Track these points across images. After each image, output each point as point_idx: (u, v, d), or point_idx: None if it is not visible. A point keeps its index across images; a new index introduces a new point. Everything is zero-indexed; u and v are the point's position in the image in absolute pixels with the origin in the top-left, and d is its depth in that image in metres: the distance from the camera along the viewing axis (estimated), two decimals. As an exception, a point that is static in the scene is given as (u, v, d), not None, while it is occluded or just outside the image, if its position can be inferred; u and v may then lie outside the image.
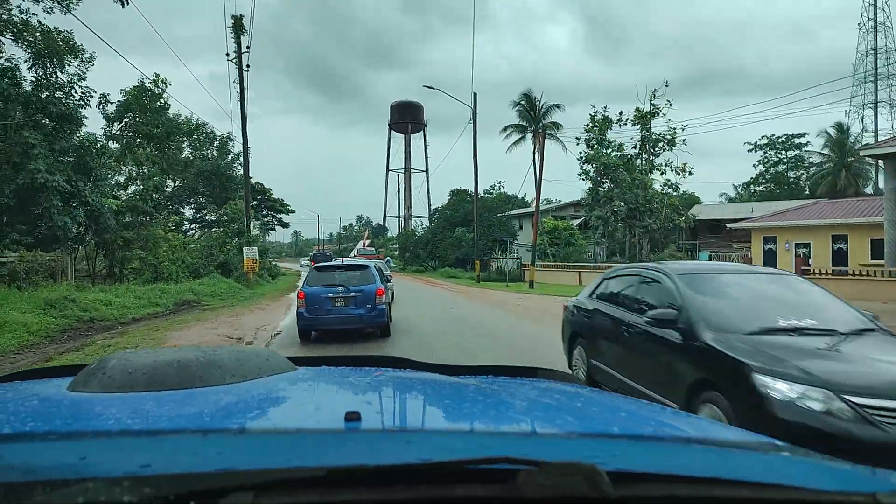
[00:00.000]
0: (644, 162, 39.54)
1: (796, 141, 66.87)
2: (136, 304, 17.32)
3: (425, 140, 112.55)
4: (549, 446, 1.13)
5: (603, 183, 38.81)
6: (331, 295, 12.01)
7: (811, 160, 65.83)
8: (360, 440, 1.09)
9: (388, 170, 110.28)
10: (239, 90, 27.80)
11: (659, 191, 39.14)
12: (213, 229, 40.85)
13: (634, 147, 39.41)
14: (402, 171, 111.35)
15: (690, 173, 37.98)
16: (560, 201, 57.76)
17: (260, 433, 1.20)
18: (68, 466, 0.86)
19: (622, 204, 37.69)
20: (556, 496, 0.80)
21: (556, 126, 45.19)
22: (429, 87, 35.02)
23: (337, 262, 14.31)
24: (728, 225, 31.92)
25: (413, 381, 1.85)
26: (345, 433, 1.11)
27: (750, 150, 68.70)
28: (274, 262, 47.97)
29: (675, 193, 39.47)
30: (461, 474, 0.85)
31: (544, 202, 59.35)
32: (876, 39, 61.63)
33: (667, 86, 37.58)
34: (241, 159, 30.63)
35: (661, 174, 38.91)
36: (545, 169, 31.82)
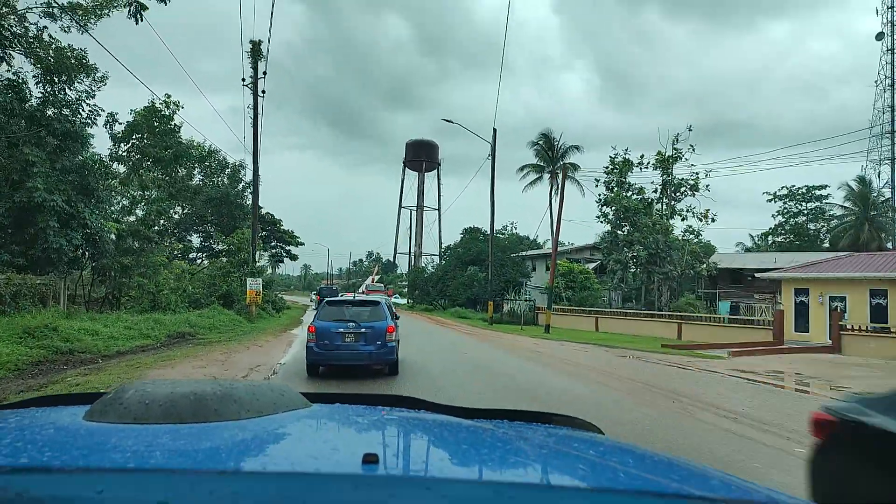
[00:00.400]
0: (665, 207, 38.35)
1: (817, 193, 65.58)
2: (125, 336, 16.03)
3: (439, 178, 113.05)
4: (567, 500, 1.13)
5: (622, 226, 37.56)
6: (342, 330, 12.01)
7: (832, 212, 64.52)
8: (379, 484, 1.09)
9: (400, 206, 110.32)
10: (252, 115, 27.00)
11: (679, 237, 37.83)
12: (220, 259, 39.84)
13: (655, 191, 38.30)
14: (415, 208, 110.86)
15: (713, 220, 36.78)
16: (573, 244, 56.52)
17: (276, 474, 1.15)
18: (86, 500, 0.88)
19: (642, 248, 36.35)
20: None
21: (574, 167, 44.23)
22: (447, 122, 34.19)
23: (348, 297, 14.75)
24: (757, 274, 30.40)
25: (429, 423, 1.83)
26: (363, 477, 1.09)
27: (769, 201, 67.41)
28: (280, 296, 46.69)
29: (696, 240, 38.14)
30: None
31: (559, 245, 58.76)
32: (893, 97, 61.30)
33: (690, 130, 36.69)
34: (252, 187, 29.70)
35: (682, 220, 37.71)
36: (562, 211, 30.71)
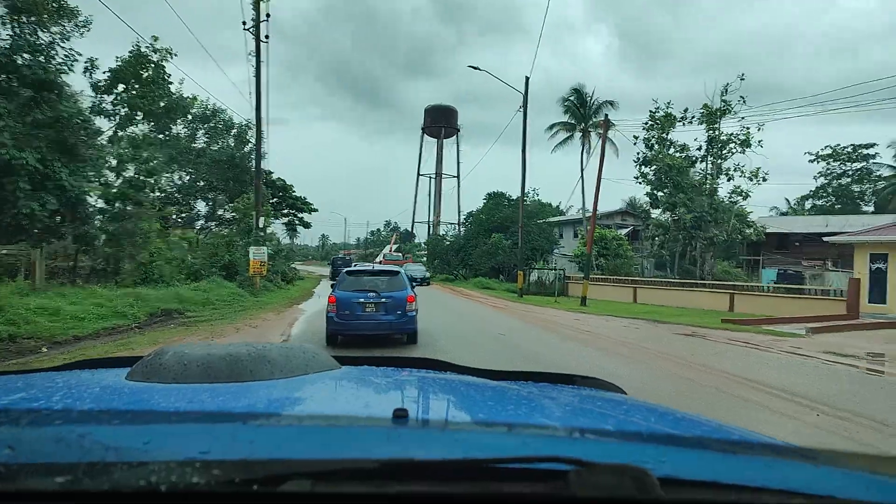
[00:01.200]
0: (710, 166, 34.86)
1: (864, 152, 61.19)
2: (95, 315, 13.36)
3: (458, 145, 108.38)
4: (596, 448, 1.12)
5: (664, 187, 34.19)
6: (362, 300, 11.88)
7: (879, 173, 60.30)
8: (410, 436, 1.12)
9: (418, 174, 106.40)
10: (255, 63, 23.98)
11: (726, 199, 34.42)
12: (227, 227, 37.35)
13: (699, 148, 34.78)
14: (434, 175, 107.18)
15: (765, 179, 33.20)
16: (600, 210, 53.28)
17: (312, 426, 1.19)
18: (133, 450, 0.91)
19: (686, 211, 33.03)
20: (605, 497, 0.81)
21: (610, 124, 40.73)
22: (474, 68, 30.66)
23: (367, 266, 15.01)
24: (826, 238, 27.03)
25: (456, 383, 1.85)
26: (394, 428, 1.11)
27: (811, 161, 63.15)
28: (293, 266, 44.01)
29: (743, 202, 34.68)
30: (509, 472, 0.86)
31: (586, 210, 55.30)
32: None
33: (742, 79, 32.92)
34: (255, 142, 26.77)
35: (728, 179, 34.21)
36: (588, 174, 27.39)
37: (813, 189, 64.71)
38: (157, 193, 26.08)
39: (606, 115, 34.25)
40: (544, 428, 1.35)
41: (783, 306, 23.59)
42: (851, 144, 61.80)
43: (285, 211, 46.63)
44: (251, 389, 1.43)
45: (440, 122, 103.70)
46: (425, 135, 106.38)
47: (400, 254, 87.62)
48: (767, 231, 39.74)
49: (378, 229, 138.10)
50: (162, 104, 23.99)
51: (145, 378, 1.52)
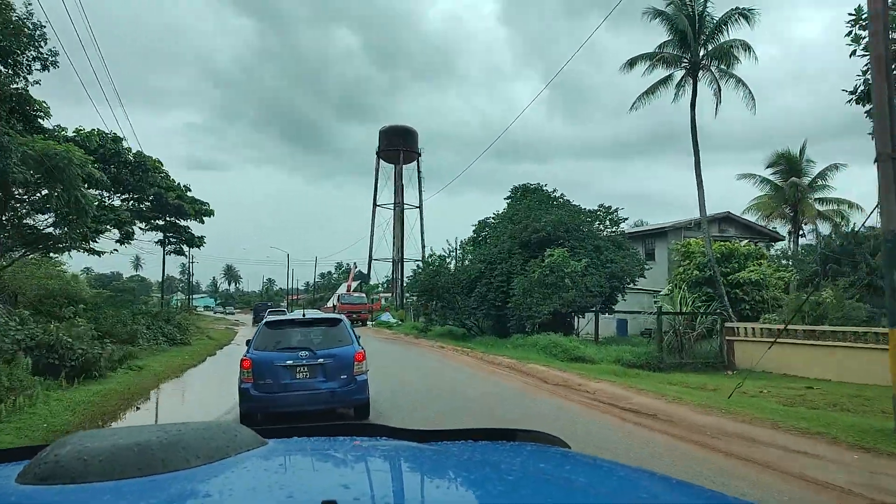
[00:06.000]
0: None
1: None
2: None
3: (419, 170, 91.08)
4: None
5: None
6: (290, 363, 9.13)
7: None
8: None
9: (374, 205, 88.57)
10: None
11: None
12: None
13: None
14: (393, 205, 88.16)
15: None
16: (687, 218, 35.63)
17: None
18: None
19: None
20: None
21: (742, 45, 23.22)
22: None
23: (294, 314, 11.80)
24: None
25: (392, 453, 1.78)
26: None
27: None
28: (182, 315, 30.86)
29: None
30: None
31: (671, 223, 38.64)
32: None
33: None
34: None
35: None
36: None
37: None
38: None
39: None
40: None
41: None
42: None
43: (163, 223, 27.42)
44: (162, 484, 1.26)
45: (397, 144, 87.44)
46: (381, 160, 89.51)
47: (363, 295, 68.08)
48: None
49: (329, 272, 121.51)
50: None
51: (39, 480, 1.30)
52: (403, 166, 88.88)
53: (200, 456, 1.40)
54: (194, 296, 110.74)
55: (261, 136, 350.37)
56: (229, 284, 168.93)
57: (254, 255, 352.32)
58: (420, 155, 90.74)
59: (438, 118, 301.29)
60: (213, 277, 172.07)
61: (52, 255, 22.20)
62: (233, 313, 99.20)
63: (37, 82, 15.69)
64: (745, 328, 18.40)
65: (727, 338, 18.23)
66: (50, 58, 14.90)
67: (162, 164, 29.35)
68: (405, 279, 68.43)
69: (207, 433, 1.53)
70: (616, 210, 29.13)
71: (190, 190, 33.60)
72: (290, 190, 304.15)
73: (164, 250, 35.73)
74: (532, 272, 24.80)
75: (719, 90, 23.21)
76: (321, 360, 9.17)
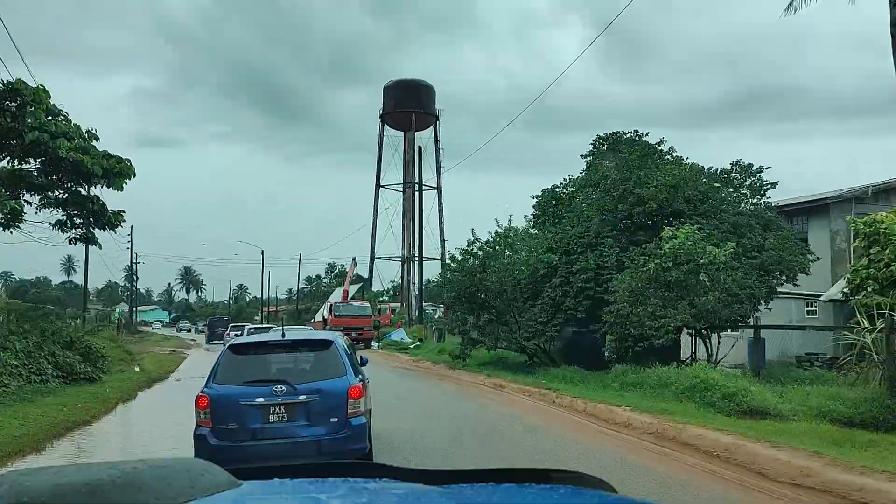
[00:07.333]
0: None
1: None
2: None
3: (437, 140, 68.19)
4: None
5: None
6: (261, 401, 7.01)
7: None
8: None
9: (377, 185, 68.27)
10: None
11: None
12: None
13: None
14: (403, 186, 66.57)
15: None
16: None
17: None
18: None
19: None
20: None
21: None
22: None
23: (271, 336, 8.90)
24: None
25: (394, 498, 1.54)
26: None
27: None
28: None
29: None
30: None
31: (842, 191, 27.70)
32: None
33: None
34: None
35: None
36: None
37: None
38: None
39: None
40: None
41: None
42: None
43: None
44: None
45: (408, 104, 65.73)
46: (386, 125, 68.24)
47: (366, 303, 48.38)
48: None
49: (318, 275, 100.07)
50: None
51: None
52: (416, 133, 65.22)
53: (160, 498, 1.25)
54: (142, 307, 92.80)
55: (227, 105, 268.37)
56: (188, 292, 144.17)
57: (221, 254, 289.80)
58: (438, 118, 68.61)
59: (453, 79, 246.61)
60: (169, 284, 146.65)
61: None
62: (188, 330, 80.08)
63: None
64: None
65: None
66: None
67: (49, 96, 18.31)
68: (424, 282, 50.78)
69: (169, 472, 1.36)
70: (759, 170, 19.01)
71: (98, 138, 22.47)
72: (265, 172, 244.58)
73: (65, 236, 24.08)
74: (641, 265, 14.75)
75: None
76: (303, 398, 7.10)
